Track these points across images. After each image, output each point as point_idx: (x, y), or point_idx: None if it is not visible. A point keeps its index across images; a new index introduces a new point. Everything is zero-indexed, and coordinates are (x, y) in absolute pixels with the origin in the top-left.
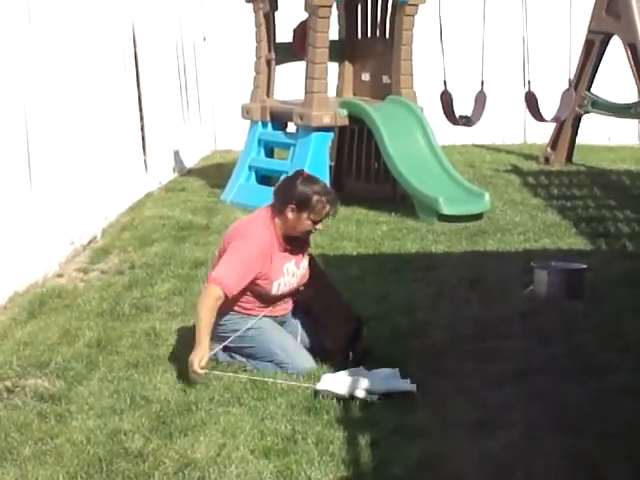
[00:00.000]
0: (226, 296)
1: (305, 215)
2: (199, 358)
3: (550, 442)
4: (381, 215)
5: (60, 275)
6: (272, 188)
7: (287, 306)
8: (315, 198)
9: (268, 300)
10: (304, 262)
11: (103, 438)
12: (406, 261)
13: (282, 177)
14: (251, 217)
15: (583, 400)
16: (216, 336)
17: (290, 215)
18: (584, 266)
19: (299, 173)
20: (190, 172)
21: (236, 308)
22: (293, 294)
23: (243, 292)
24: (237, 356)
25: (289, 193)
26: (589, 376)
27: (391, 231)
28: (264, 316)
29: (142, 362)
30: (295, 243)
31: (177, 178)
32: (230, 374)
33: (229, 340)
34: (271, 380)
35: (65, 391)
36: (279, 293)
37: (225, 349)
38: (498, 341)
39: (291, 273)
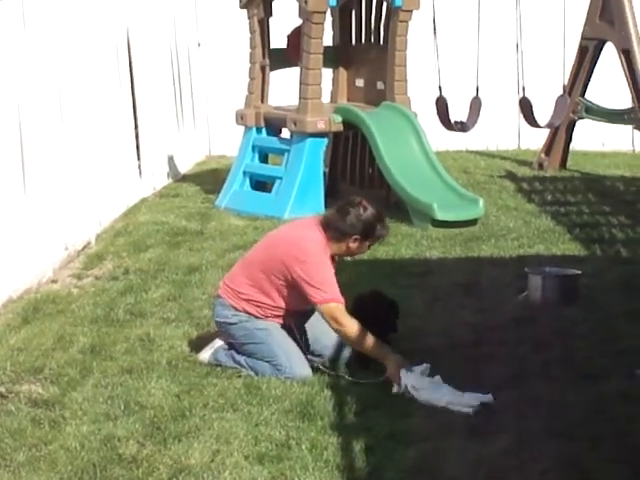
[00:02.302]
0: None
1: (367, 243)
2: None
3: (544, 447)
4: None
5: (54, 281)
6: (267, 194)
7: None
8: (378, 228)
9: (290, 313)
10: None
11: (97, 444)
12: (400, 267)
13: (336, 208)
14: (309, 235)
15: (577, 405)
16: (226, 332)
17: (353, 244)
18: (578, 272)
19: (358, 203)
20: (184, 178)
21: (257, 313)
22: None
23: (276, 303)
24: (236, 356)
25: (354, 226)
26: (583, 381)
27: None
28: (279, 323)
29: (136, 368)
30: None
31: (171, 184)
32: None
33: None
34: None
35: (59, 397)
36: (306, 308)
37: (229, 347)
38: (492, 347)
39: None
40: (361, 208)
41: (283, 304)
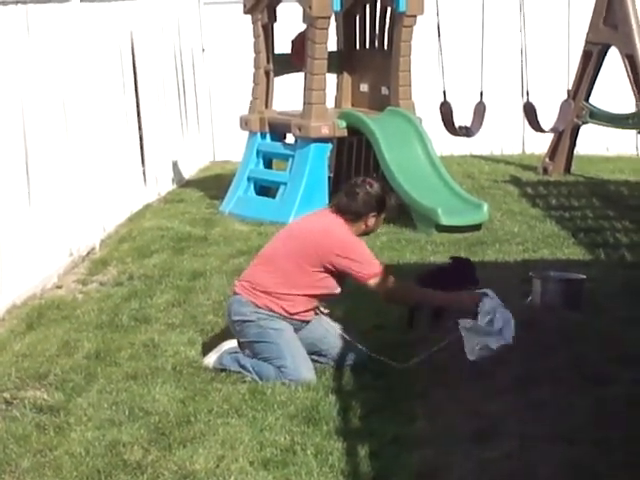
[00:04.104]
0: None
1: (383, 215)
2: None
3: (549, 452)
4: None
5: (59, 286)
6: (271, 199)
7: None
8: (387, 197)
9: (316, 303)
10: None
11: (102, 450)
12: (405, 272)
13: (344, 192)
14: (333, 221)
15: (582, 410)
16: (240, 331)
17: (372, 222)
18: (583, 276)
19: (362, 182)
20: (189, 183)
21: (277, 310)
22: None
23: (302, 297)
24: (241, 360)
25: (368, 203)
26: (588, 386)
27: (390, 242)
28: (299, 320)
29: (141, 373)
30: None
31: (176, 189)
32: None
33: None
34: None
35: (64, 403)
36: (334, 293)
37: (235, 352)
38: (497, 351)
39: None
40: (367, 185)
41: (313, 291)
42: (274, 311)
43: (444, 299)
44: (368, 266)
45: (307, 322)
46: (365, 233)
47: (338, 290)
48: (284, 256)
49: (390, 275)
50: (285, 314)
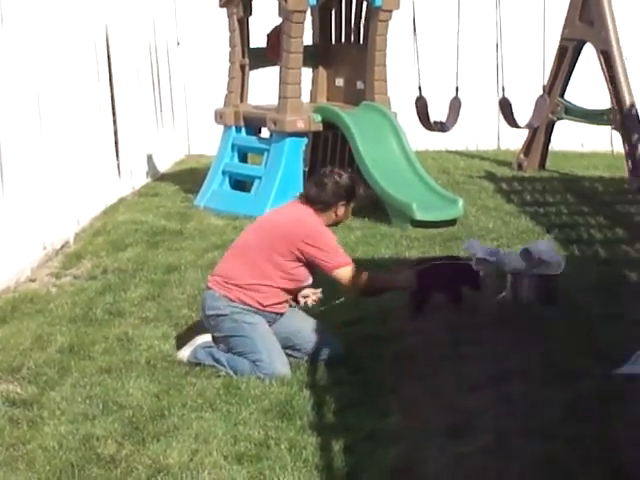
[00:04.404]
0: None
1: (352, 204)
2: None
3: (522, 447)
4: (355, 221)
5: (32, 280)
6: (246, 193)
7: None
8: (358, 187)
9: (288, 294)
10: None
11: (75, 444)
12: (380, 267)
13: (312, 183)
14: (303, 211)
15: (555, 405)
16: (215, 325)
17: (341, 211)
18: (557, 272)
19: (331, 172)
20: (163, 177)
21: (251, 302)
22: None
23: (274, 288)
24: (215, 354)
25: (337, 193)
26: (561, 381)
27: (365, 237)
28: (273, 312)
29: (115, 367)
30: None
31: (150, 183)
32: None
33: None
34: None
35: (37, 396)
36: (306, 284)
37: (209, 346)
38: (471, 347)
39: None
40: (336, 175)
41: (284, 282)
42: (247, 304)
43: (391, 281)
44: (335, 256)
45: (281, 314)
46: (335, 223)
47: (310, 281)
48: (255, 247)
49: (355, 268)
50: (258, 306)
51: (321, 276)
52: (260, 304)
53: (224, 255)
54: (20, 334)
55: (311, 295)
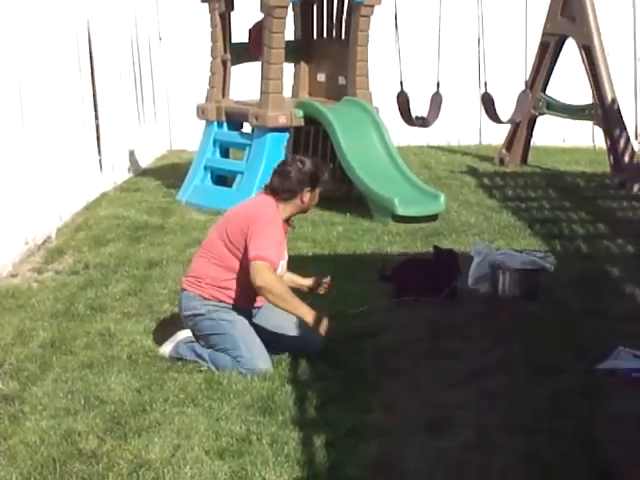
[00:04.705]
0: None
1: (317, 190)
2: (321, 323)
3: (504, 442)
4: (336, 216)
5: (14, 275)
6: (228, 188)
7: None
8: (322, 173)
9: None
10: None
11: (57, 439)
12: (362, 262)
13: (275, 172)
14: (260, 201)
15: (537, 400)
16: (193, 325)
17: (307, 197)
18: (539, 267)
19: (293, 160)
20: (145, 172)
21: (224, 298)
22: None
23: (243, 281)
24: (197, 349)
25: (301, 180)
26: (542, 376)
27: (347, 232)
28: (248, 307)
29: (96, 362)
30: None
31: (132, 178)
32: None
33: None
34: None
35: (19, 392)
36: (280, 271)
37: (191, 341)
38: (452, 342)
39: (286, 257)
40: (299, 163)
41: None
42: (222, 300)
43: (297, 310)
44: (260, 248)
45: (258, 308)
46: (303, 210)
47: (279, 271)
48: (220, 242)
49: (274, 273)
50: (233, 302)
51: (323, 270)
52: (233, 299)
53: (194, 255)
54: (1, 329)
55: (322, 284)
